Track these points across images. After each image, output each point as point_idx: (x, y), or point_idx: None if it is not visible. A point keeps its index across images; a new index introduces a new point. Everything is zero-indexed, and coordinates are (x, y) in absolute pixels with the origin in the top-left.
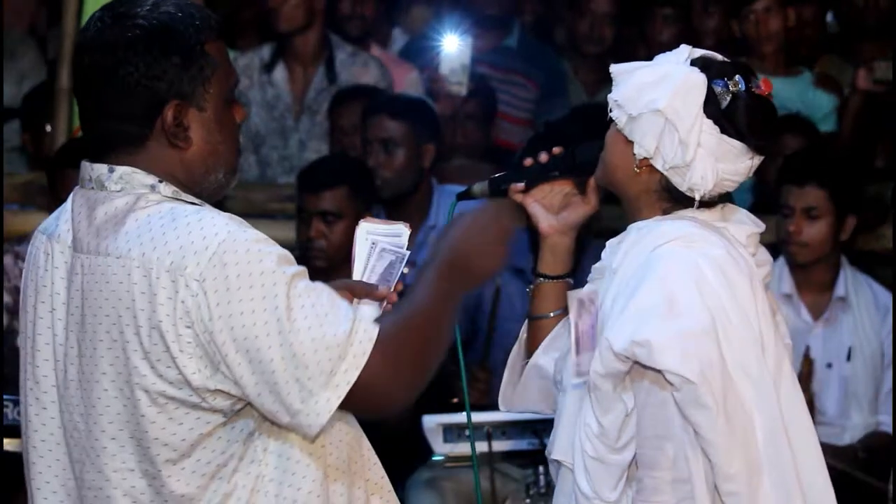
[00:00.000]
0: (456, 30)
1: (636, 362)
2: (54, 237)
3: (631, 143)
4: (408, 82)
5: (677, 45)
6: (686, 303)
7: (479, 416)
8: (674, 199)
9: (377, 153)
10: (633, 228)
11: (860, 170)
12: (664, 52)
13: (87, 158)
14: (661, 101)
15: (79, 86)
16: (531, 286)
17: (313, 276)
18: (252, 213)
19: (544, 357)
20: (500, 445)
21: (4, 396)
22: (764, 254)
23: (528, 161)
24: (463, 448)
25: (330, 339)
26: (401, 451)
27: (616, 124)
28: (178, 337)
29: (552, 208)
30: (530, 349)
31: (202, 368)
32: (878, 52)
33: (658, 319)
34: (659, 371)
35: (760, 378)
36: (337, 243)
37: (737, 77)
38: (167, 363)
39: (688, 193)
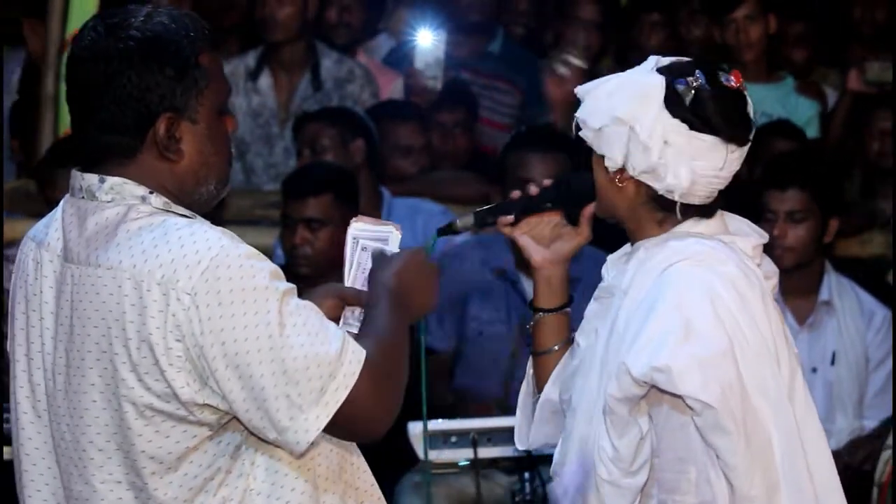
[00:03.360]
0: (437, 31)
1: (654, 386)
2: (44, 245)
3: (602, 159)
4: (394, 89)
5: (667, 52)
6: (703, 325)
7: (464, 423)
8: (664, 208)
9: (305, 157)
10: (641, 247)
11: (841, 171)
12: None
13: (77, 167)
14: (619, 108)
15: (71, 95)
16: (531, 323)
17: (298, 282)
18: (236, 220)
19: (555, 389)
20: (485, 452)
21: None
22: (769, 265)
23: (516, 193)
24: (448, 454)
25: (322, 356)
26: (388, 457)
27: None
28: (167, 350)
29: (543, 240)
30: (539, 385)
31: (191, 382)
32: (869, 55)
33: (676, 344)
34: (678, 396)
35: (777, 396)
36: (322, 250)
37: (696, 72)
38: (155, 376)
39: (668, 196)
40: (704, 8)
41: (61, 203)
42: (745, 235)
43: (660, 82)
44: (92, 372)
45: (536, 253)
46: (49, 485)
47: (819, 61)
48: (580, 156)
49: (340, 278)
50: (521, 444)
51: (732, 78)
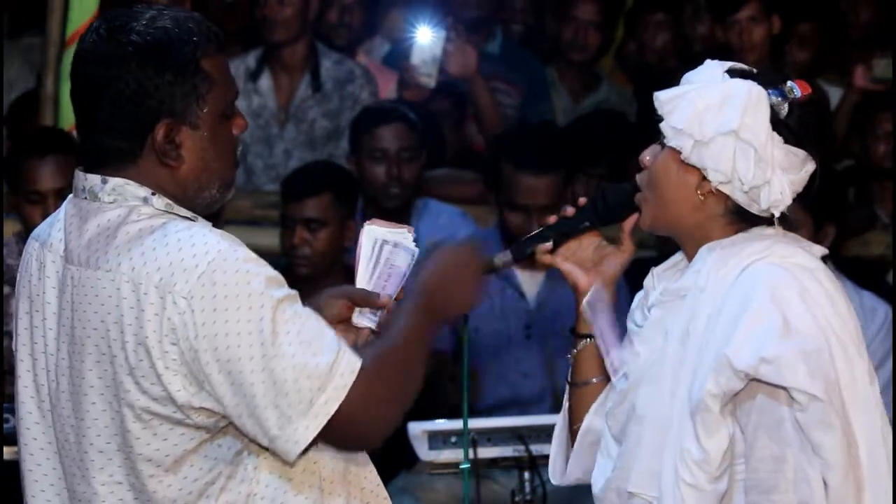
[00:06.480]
0: (436, 29)
1: (755, 380)
2: (47, 245)
3: (691, 170)
4: (392, 90)
5: (671, 51)
6: (800, 322)
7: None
8: (746, 220)
9: (391, 158)
10: (715, 248)
11: (837, 176)
12: (657, 57)
13: (80, 168)
14: (733, 121)
15: (75, 95)
16: (574, 351)
17: (298, 283)
18: (237, 220)
19: (597, 419)
20: (485, 452)
21: (4, 405)
22: None
23: (552, 218)
24: (448, 455)
25: (312, 368)
26: (383, 457)
27: (677, 154)
28: (163, 354)
29: (587, 263)
30: (575, 417)
31: (187, 386)
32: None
33: (778, 338)
34: (784, 388)
35: (864, 393)
36: (321, 250)
37: (789, 84)
38: (152, 379)
39: (763, 214)
40: (708, 8)
41: (65, 203)
42: (811, 244)
43: (764, 94)
44: (91, 374)
45: (582, 277)
46: (53, 485)
47: (825, 63)
48: (574, 167)
49: (340, 278)
50: (555, 479)
51: (799, 87)
